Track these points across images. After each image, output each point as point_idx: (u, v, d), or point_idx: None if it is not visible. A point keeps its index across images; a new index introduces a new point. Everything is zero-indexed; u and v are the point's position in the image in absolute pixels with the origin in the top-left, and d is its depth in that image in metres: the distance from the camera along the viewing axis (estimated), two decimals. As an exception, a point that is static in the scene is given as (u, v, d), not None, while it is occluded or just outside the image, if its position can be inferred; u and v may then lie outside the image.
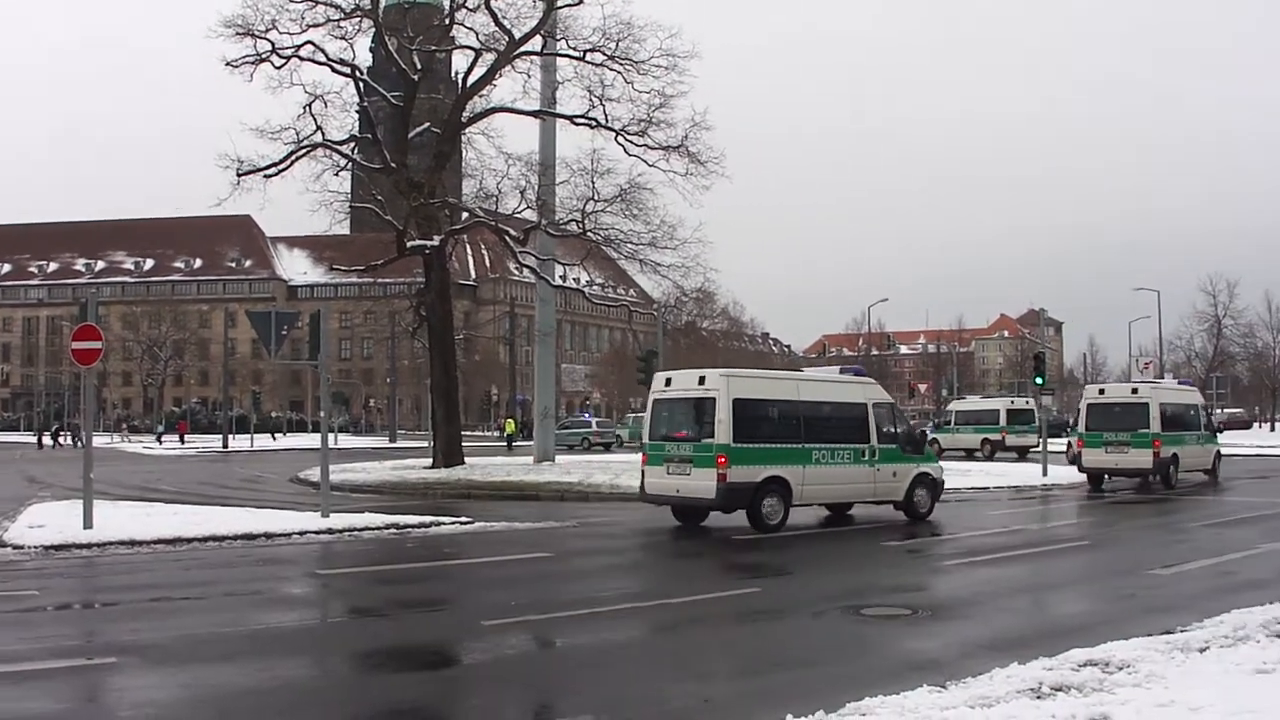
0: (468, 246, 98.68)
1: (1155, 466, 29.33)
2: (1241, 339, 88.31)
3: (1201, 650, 9.14)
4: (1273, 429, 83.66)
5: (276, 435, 72.92)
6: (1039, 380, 37.42)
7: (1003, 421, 50.18)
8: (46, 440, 74.39)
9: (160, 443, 73.41)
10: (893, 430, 22.43)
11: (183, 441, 73.96)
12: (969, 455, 48.28)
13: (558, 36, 37.60)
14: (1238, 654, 8.95)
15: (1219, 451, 34.01)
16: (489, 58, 37.88)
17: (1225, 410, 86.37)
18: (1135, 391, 30.66)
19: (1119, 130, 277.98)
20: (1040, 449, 36.78)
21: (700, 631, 11.34)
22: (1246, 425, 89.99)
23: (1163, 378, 55.66)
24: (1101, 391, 31.99)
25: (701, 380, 20.78)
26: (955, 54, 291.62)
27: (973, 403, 58.53)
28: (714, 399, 20.08)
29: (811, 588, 13.67)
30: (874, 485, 21.92)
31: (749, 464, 19.78)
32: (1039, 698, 7.79)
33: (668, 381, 21.95)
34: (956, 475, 33.61)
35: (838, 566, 15.92)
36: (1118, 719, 7.17)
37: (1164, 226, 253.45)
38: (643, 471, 21.67)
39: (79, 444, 72.90)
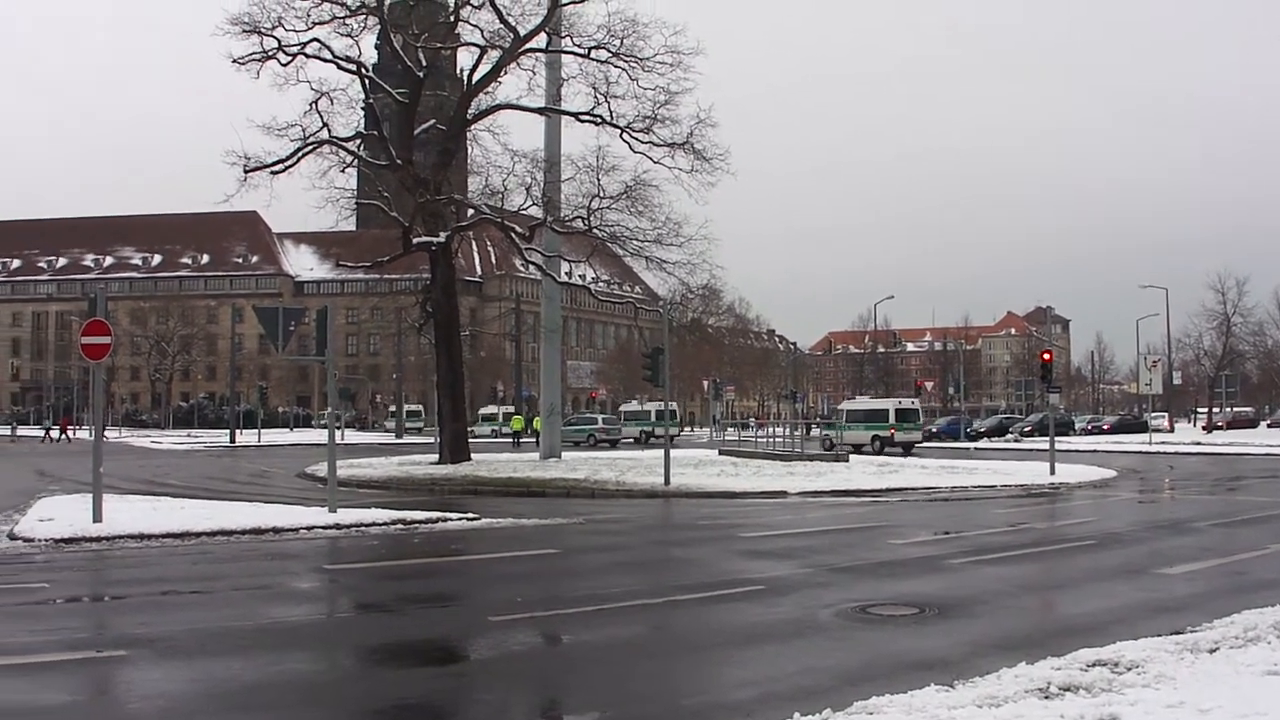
0: (473, 243, 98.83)
1: None
2: (1251, 337, 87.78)
3: (1211, 651, 9.02)
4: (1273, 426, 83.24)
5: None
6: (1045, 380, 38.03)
7: (892, 420, 53.93)
8: (54, 434, 73.98)
9: (49, 439, 71.96)
10: None
11: (67, 439, 72.09)
12: (856, 450, 50.48)
13: (562, 34, 37.77)
14: (1248, 655, 8.83)
15: None
16: (494, 55, 38.04)
17: (1233, 409, 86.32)
18: None
19: (1130, 131, 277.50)
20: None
21: (708, 629, 11.33)
22: (1253, 424, 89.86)
23: (1170, 376, 58.60)
24: None
25: None
26: (968, 61, 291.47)
27: (863, 403, 63.47)
28: None
29: (815, 584, 13.63)
30: None
31: None
32: (1047, 697, 7.73)
33: None
34: (963, 474, 33.70)
35: (847, 562, 15.85)
36: (1127, 720, 7.13)
37: (1174, 223, 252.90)
38: None
39: (57, 438, 72.14)
